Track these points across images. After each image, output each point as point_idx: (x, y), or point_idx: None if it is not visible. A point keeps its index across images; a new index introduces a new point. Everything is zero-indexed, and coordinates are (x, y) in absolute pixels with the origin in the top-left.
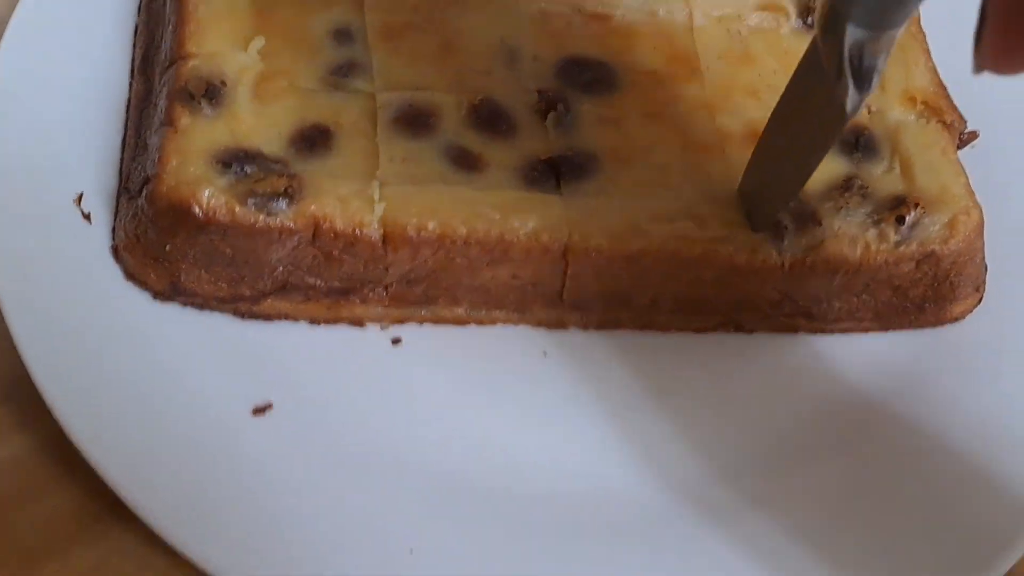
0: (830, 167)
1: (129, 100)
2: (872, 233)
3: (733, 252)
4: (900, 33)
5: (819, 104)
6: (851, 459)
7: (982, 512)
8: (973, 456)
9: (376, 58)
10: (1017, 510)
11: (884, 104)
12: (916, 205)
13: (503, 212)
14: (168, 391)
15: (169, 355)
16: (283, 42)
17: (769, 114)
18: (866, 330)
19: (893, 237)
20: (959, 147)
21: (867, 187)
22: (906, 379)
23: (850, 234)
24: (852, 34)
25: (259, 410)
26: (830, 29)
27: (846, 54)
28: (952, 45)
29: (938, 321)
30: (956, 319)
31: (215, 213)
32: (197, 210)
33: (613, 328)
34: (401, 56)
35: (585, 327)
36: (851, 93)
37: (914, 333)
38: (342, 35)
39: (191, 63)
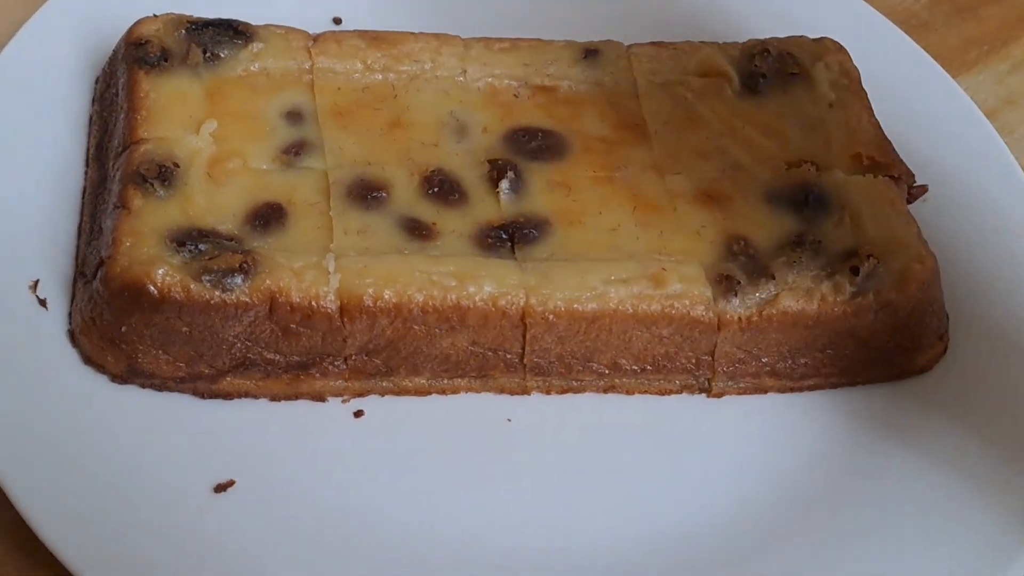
0: (781, 224)
1: (84, 188)
2: (827, 285)
3: (690, 307)
4: None
5: None
6: (824, 516)
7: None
8: (948, 503)
9: (327, 136)
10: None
11: (831, 160)
12: (869, 256)
13: (458, 279)
14: (129, 473)
15: (129, 438)
16: (236, 125)
17: (718, 173)
18: (834, 386)
19: (848, 288)
20: (909, 201)
21: (819, 241)
22: (878, 432)
23: (804, 287)
24: None
25: (221, 487)
26: None
27: None
28: (898, 105)
29: (905, 372)
30: (923, 369)
31: (170, 291)
32: (152, 289)
33: (576, 392)
34: (352, 133)
35: (548, 392)
36: None
37: (882, 386)
38: (293, 116)
39: (143, 147)
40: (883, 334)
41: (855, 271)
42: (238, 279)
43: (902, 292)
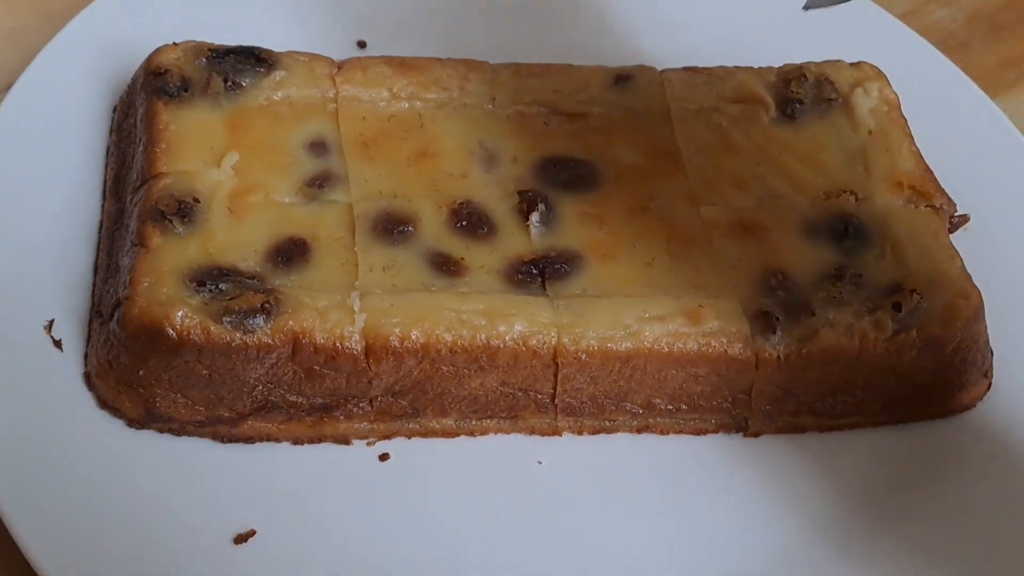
0: (820, 256)
1: (101, 222)
2: (868, 321)
3: (727, 344)
4: None
5: None
6: (863, 558)
7: None
8: (992, 544)
9: (352, 168)
10: None
11: (871, 189)
12: (912, 292)
13: (488, 317)
14: (146, 522)
15: (146, 485)
16: (257, 156)
17: (755, 203)
18: (875, 424)
19: (891, 325)
20: (950, 231)
21: (860, 275)
22: (920, 472)
23: (845, 323)
24: None
25: (241, 538)
26: None
27: None
28: (935, 129)
29: (948, 411)
30: (967, 407)
31: (189, 334)
32: (171, 331)
33: (609, 432)
34: (377, 165)
35: (579, 432)
36: None
37: (924, 424)
38: (317, 147)
39: (163, 182)
40: (926, 372)
41: (898, 307)
42: (260, 320)
43: (947, 329)
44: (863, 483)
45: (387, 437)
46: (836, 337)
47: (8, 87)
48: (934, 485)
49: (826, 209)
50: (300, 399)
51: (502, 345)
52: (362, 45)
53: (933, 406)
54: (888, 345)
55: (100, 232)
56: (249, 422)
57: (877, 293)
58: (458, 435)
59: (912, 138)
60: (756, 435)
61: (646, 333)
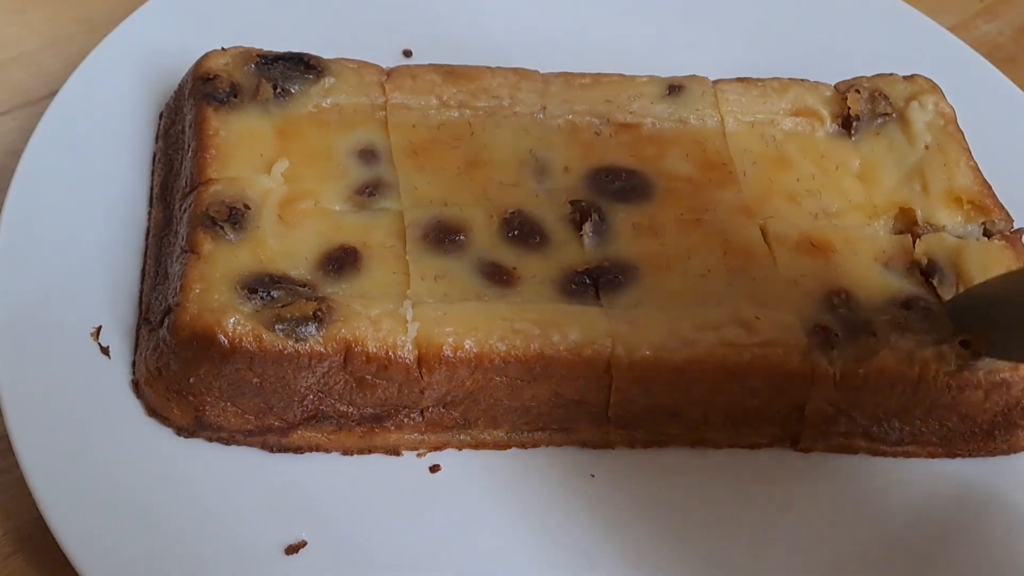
0: (888, 284)
1: (148, 228)
2: (931, 352)
3: (783, 357)
4: None
5: None
6: None
7: None
8: None
9: (402, 176)
10: None
11: (929, 206)
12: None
13: (542, 327)
14: (195, 533)
15: (195, 494)
16: (307, 164)
17: (809, 219)
18: (931, 455)
19: (955, 360)
20: None
21: (930, 309)
22: (973, 509)
23: (907, 348)
24: None
25: (292, 548)
26: None
27: None
28: (988, 142)
29: (1010, 449)
30: None
31: (241, 341)
32: (222, 339)
33: (662, 446)
34: (427, 173)
35: (632, 445)
36: None
37: (983, 460)
38: (367, 155)
39: (213, 188)
40: (991, 411)
41: (965, 344)
42: (312, 328)
43: (1016, 370)
44: (914, 510)
45: (438, 448)
46: (896, 361)
47: (52, 94)
48: (988, 522)
49: (900, 243)
50: (351, 409)
51: (556, 355)
52: (408, 54)
53: (994, 443)
54: (949, 379)
55: (147, 239)
56: (299, 432)
57: (945, 327)
58: (509, 447)
59: (969, 152)
60: (807, 451)
61: (701, 343)
